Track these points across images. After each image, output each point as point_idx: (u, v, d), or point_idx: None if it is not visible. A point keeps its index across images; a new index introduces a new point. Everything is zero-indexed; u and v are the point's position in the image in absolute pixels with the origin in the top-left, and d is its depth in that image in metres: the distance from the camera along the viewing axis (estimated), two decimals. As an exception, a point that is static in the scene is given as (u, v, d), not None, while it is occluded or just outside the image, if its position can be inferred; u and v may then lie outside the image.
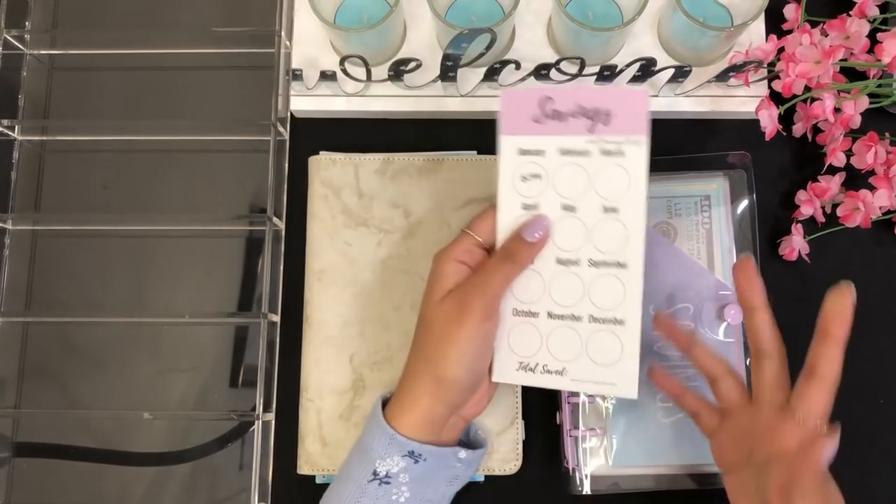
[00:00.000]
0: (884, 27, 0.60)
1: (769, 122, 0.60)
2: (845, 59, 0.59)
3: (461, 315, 0.50)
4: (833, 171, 0.61)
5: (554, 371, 0.54)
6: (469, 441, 0.58)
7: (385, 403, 0.54)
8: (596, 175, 0.51)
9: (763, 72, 0.63)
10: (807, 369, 0.48)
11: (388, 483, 0.51)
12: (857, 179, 0.62)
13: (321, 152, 0.65)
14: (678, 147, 0.64)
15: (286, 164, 0.66)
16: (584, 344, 0.53)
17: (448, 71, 0.61)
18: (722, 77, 0.61)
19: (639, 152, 0.50)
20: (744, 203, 0.63)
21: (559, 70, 0.60)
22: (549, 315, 0.53)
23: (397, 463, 0.51)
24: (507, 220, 0.52)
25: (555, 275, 0.53)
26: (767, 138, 0.60)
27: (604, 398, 0.60)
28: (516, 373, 0.54)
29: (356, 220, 0.63)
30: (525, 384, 0.55)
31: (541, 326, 0.53)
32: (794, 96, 0.59)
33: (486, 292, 0.51)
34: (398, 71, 0.61)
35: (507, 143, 0.51)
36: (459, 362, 0.51)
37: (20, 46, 0.69)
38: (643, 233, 0.51)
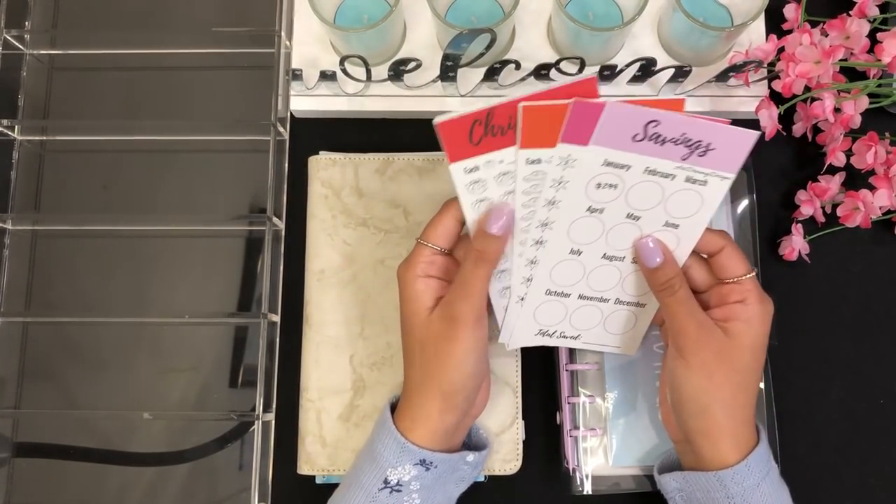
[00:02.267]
0: (884, 27, 0.60)
1: (769, 121, 0.60)
2: (845, 59, 0.59)
3: (454, 329, 0.50)
4: (833, 170, 0.61)
5: (569, 336, 0.57)
6: (472, 443, 0.58)
7: (393, 408, 0.54)
8: (671, 195, 0.50)
9: (763, 72, 0.63)
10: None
11: (399, 491, 0.51)
12: (857, 179, 0.62)
13: (321, 152, 0.65)
14: (678, 147, 0.64)
15: (286, 164, 0.66)
16: (604, 318, 0.56)
17: (448, 71, 0.61)
18: (722, 77, 0.61)
19: (721, 185, 0.49)
20: (744, 203, 0.63)
21: (559, 70, 0.60)
22: (580, 297, 0.55)
23: (409, 471, 0.51)
24: (568, 219, 0.51)
25: (598, 267, 0.53)
26: (767, 138, 0.60)
27: (604, 398, 0.60)
28: (533, 337, 0.57)
29: (356, 219, 0.63)
30: (536, 345, 0.58)
31: (569, 305, 0.55)
32: (794, 96, 0.59)
33: (472, 300, 0.51)
34: (398, 71, 0.61)
35: (594, 152, 0.48)
36: (463, 373, 0.51)
37: (20, 46, 0.69)
38: (693, 246, 0.52)
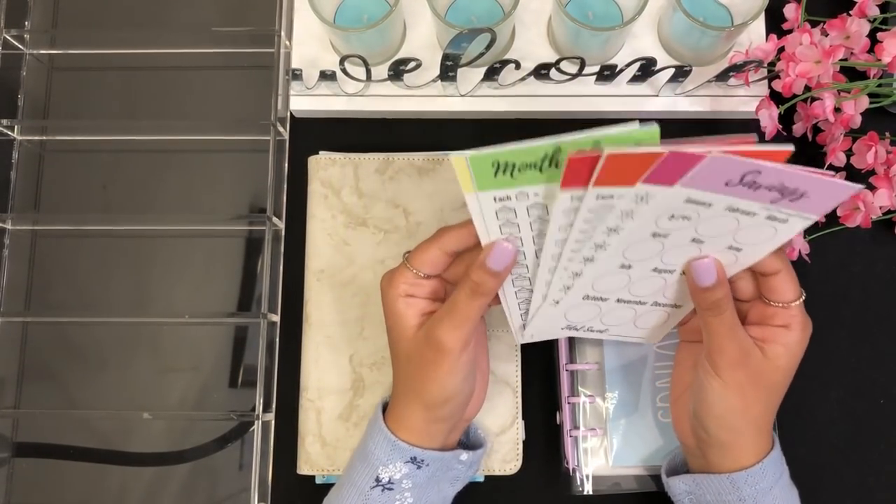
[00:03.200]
0: (884, 27, 0.60)
1: (769, 121, 0.60)
2: (845, 59, 0.59)
3: (438, 355, 0.49)
4: (833, 170, 0.61)
5: (597, 330, 0.56)
6: (469, 442, 0.58)
7: (385, 407, 0.54)
8: (746, 227, 0.47)
9: (763, 71, 0.63)
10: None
11: (390, 489, 0.51)
12: (857, 179, 0.62)
13: (321, 152, 0.65)
14: (678, 147, 0.64)
15: (286, 164, 0.66)
16: (636, 317, 0.55)
17: (448, 71, 0.61)
18: (722, 77, 0.61)
19: (802, 223, 0.46)
20: (744, 203, 0.63)
21: (559, 70, 0.60)
22: (619, 300, 0.53)
23: (400, 469, 0.51)
24: (626, 243, 0.48)
25: (644, 277, 0.51)
26: (767, 138, 0.60)
27: (604, 399, 0.60)
28: (560, 331, 0.56)
29: (356, 219, 0.63)
30: (562, 337, 0.58)
31: (604, 307, 0.54)
32: (795, 96, 0.59)
33: (462, 331, 0.49)
34: (398, 71, 0.61)
35: (677, 192, 0.44)
36: (446, 391, 0.50)
37: (20, 46, 0.69)
38: (748, 266, 0.49)
